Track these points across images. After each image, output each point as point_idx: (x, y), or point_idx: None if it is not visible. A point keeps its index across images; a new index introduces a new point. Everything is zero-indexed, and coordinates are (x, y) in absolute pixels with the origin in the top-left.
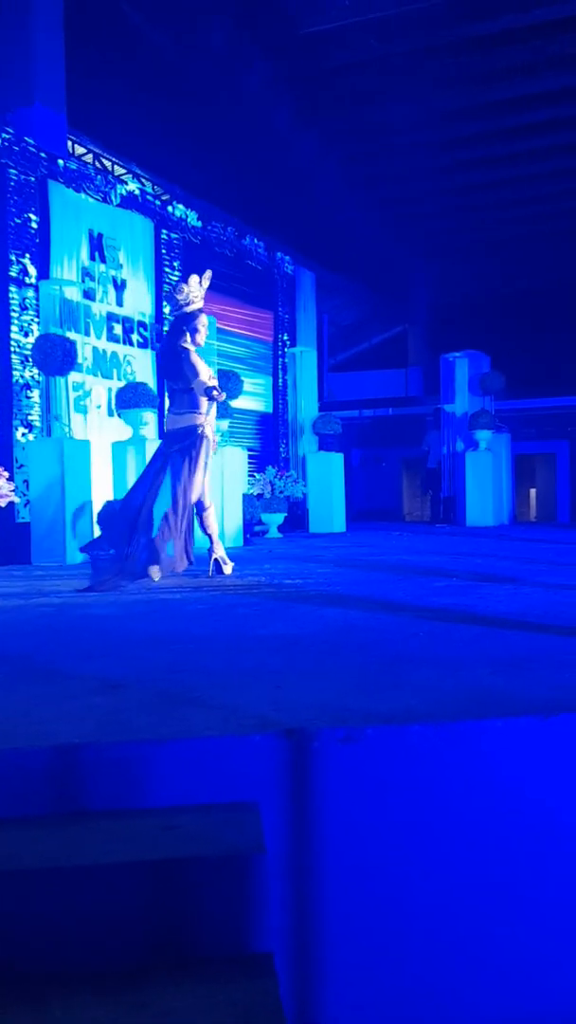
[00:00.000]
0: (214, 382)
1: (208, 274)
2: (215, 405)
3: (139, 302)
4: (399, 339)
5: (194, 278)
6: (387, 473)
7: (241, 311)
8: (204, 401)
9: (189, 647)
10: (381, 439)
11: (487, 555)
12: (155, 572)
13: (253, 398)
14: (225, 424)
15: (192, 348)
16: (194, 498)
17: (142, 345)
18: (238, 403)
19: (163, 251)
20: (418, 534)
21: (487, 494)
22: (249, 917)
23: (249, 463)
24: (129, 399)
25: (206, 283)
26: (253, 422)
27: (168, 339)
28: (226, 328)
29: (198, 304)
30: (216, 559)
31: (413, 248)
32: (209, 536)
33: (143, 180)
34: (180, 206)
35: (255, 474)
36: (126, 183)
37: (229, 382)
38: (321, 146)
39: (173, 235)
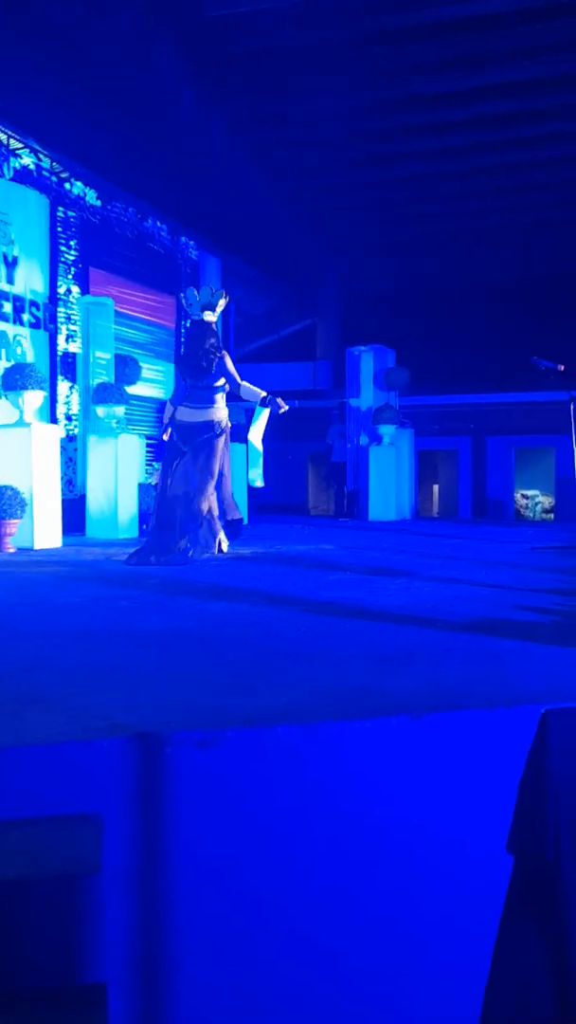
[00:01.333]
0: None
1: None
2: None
3: (31, 281)
4: (309, 332)
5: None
6: (292, 466)
7: (142, 295)
8: (221, 397)
9: (53, 642)
10: (287, 432)
11: (384, 549)
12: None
13: (153, 385)
14: (121, 411)
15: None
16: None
17: (34, 325)
18: (136, 390)
19: (59, 229)
20: (320, 527)
21: (389, 489)
22: (79, 945)
23: (148, 452)
24: (16, 380)
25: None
26: (152, 410)
27: (195, 342)
28: (126, 312)
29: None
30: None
31: (324, 241)
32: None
33: (40, 155)
34: (79, 184)
35: (154, 463)
36: (20, 157)
37: (127, 367)
38: (228, 133)
39: (70, 213)
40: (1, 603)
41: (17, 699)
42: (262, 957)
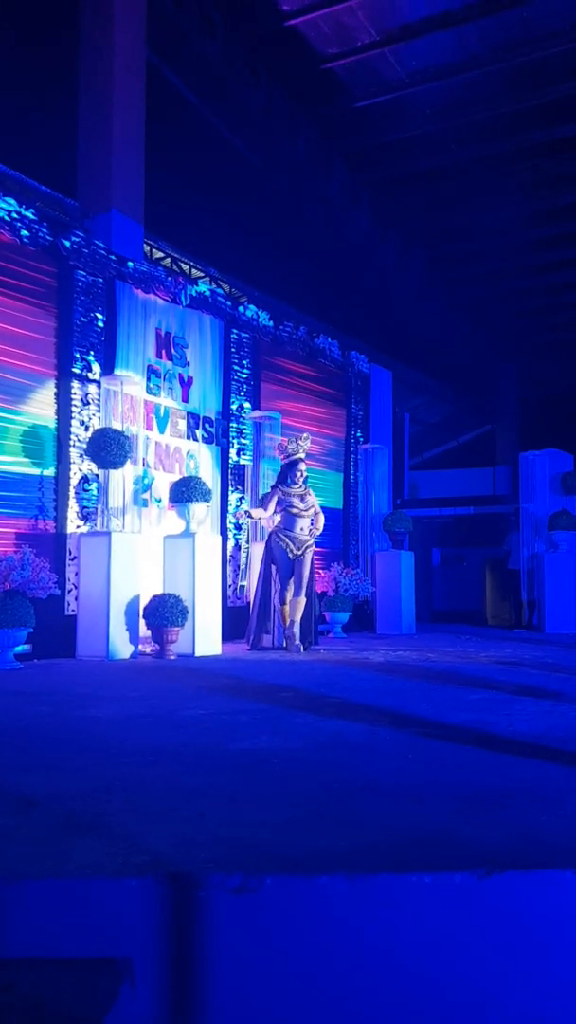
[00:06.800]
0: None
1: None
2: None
3: (205, 399)
4: (487, 437)
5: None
6: (469, 573)
7: (311, 408)
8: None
9: (142, 760)
10: (463, 538)
11: (548, 666)
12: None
13: (323, 495)
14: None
15: None
16: None
17: (207, 440)
18: None
19: (232, 350)
20: (488, 639)
21: (568, 599)
22: None
23: (316, 560)
24: (182, 493)
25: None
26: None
27: (296, 473)
28: (294, 426)
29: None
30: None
31: (499, 347)
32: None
33: (218, 283)
34: (252, 306)
35: (320, 571)
36: (196, 284)
37: None
38: (402, 249)
39: (243, 334)
40: (124, 715)
41: (71, 824)
42: None
